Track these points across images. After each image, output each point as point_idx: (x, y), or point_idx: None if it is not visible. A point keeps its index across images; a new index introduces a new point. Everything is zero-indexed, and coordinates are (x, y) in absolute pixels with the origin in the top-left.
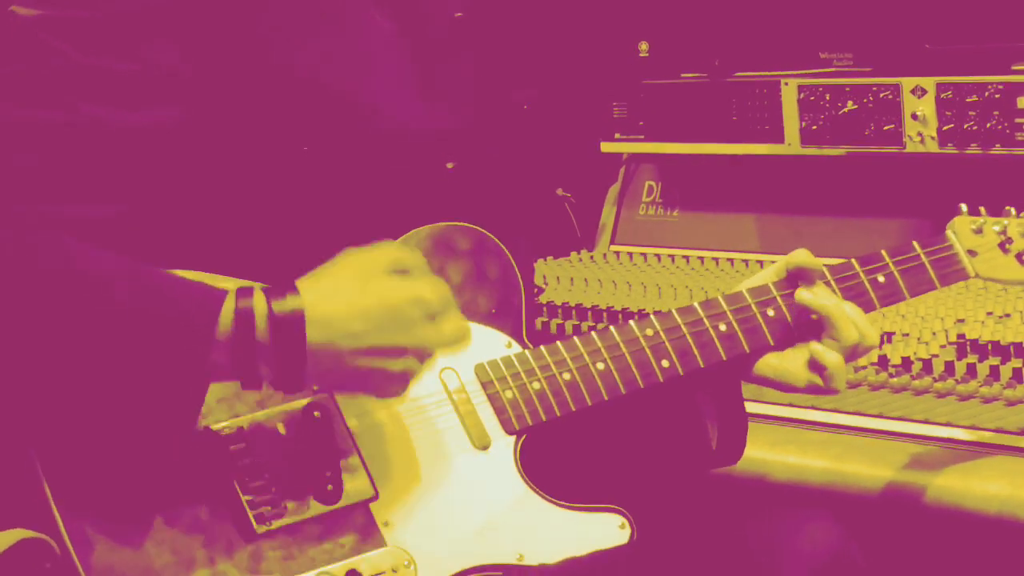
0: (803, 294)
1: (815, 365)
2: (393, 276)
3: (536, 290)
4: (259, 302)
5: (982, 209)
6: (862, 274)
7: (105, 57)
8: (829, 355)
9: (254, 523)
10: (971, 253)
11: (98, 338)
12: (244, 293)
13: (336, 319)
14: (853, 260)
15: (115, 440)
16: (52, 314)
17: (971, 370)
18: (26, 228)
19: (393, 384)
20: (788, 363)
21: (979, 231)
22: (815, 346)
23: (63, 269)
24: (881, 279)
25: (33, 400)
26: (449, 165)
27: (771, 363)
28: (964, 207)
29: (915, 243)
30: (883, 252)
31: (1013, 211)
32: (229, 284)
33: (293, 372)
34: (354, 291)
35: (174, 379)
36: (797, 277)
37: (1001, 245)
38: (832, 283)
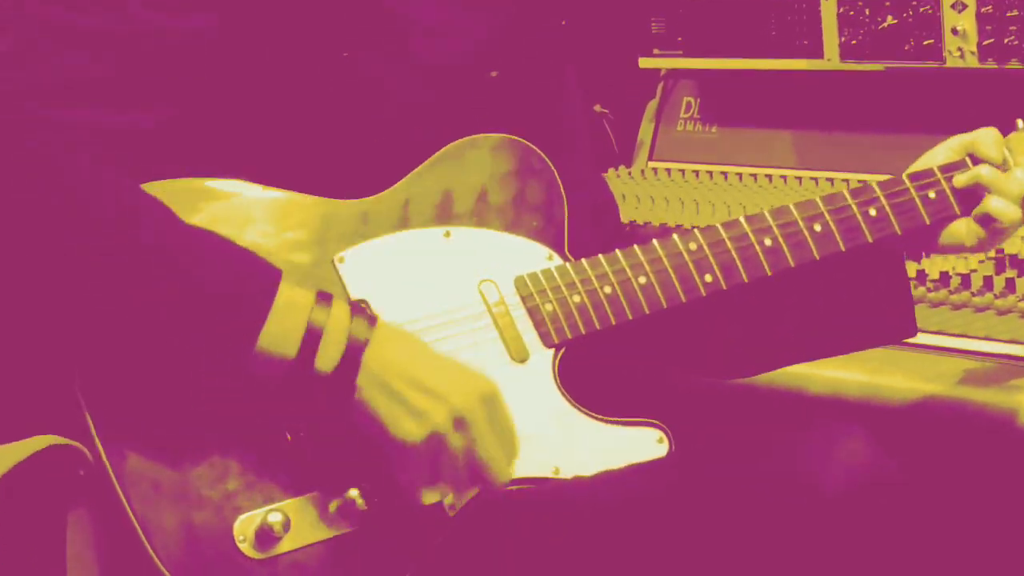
0: (960, 177)
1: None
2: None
3: None
4: (338, 317)
5: None
6: (913, 190)
7: None
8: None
9: (288, 434)
10: None
11: (156, 299)
12: (324, 299)
13: (397, 346)
14: (904, 176)
15: (154, 365)
16: (108, 271)
17: (1010, 285)
18: (97, 177)
19: (410, 419)
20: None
21: None
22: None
23: (129, 239)
24: (932, 195)
25: (78, 326)
26: (493, 74)
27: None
28: (1021, 123)
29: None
30: (935, 168)
31: None
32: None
33: (346, 381)
34: (426, 347)
35: (229, 348)
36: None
37: None
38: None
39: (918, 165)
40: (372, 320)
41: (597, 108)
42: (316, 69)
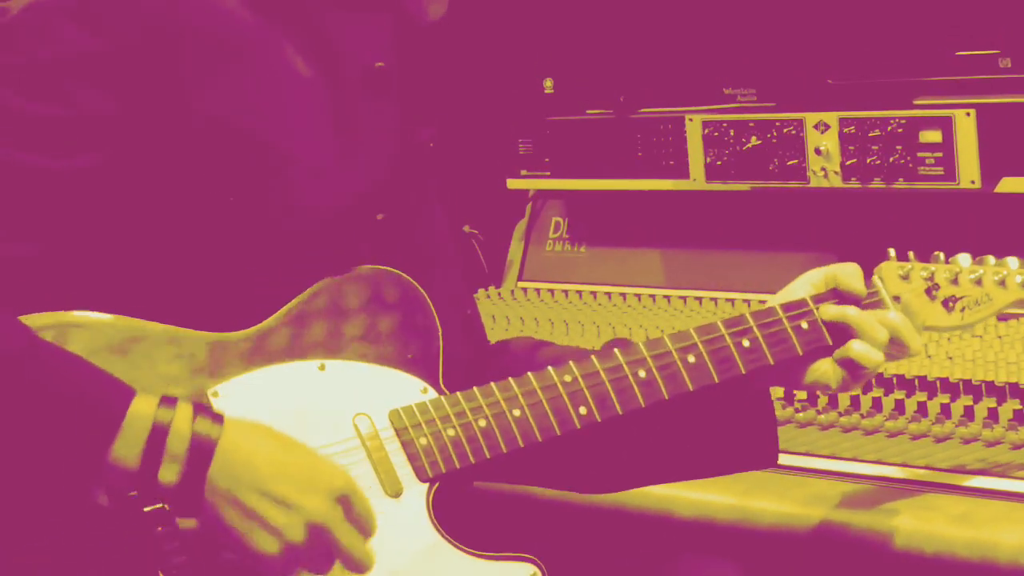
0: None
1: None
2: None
3: None
4: (182, 418)
5: (911, 254)
6: (785, 321)
7: (37, 102)
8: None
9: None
10: (896, 299)
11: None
12: (168, 402)
13: (245, 452)
14: (777, 306)
15: (21, 510)
16: None
17: (877, 404)
18: None
19: (265, 534)
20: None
21: (906, 277)
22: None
23: None
24: (804, 325)
25: None
26: (379, 216)
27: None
28: (892, 252)
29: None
30: (807, 298)
31: (942, 256)
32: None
33: (193, 494)
34: (276, 443)
35: (75, 469)
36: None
37: (928, 291)
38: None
39: (784, 296)
40: (218, 418)
41: (466, 229)
42: (200, 210)
